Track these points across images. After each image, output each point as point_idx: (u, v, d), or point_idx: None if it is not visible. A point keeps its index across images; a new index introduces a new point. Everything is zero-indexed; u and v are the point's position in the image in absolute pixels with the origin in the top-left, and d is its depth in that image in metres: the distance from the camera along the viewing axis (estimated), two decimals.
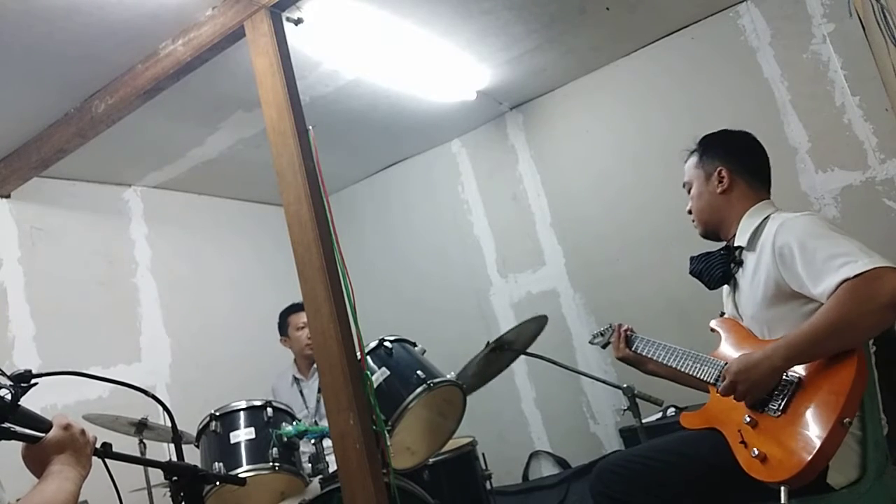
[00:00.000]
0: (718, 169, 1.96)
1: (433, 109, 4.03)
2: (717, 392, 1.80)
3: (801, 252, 1.65)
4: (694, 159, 2.05)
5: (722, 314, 2.05)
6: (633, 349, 2.21)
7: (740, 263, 1.91)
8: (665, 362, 2.05)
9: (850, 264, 1.53)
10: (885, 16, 2.21)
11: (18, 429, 1.27)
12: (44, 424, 1.31)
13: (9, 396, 1.25)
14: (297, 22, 2.59)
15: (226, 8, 2.56)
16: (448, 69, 3.59)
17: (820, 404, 1.56)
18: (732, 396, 1.69)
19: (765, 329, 1.80)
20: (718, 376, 1.80)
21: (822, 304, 1.59)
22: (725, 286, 2.01)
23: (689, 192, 2.07)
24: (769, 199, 1.96)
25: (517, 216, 4.35)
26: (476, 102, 4.01)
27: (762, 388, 1.66)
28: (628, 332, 2.26)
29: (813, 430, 1.54)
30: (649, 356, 2.13)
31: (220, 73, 3.00)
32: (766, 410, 1.66)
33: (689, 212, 2.07)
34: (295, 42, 2.60)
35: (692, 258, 2.05)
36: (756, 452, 1.61)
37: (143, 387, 1.68)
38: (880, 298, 1.48)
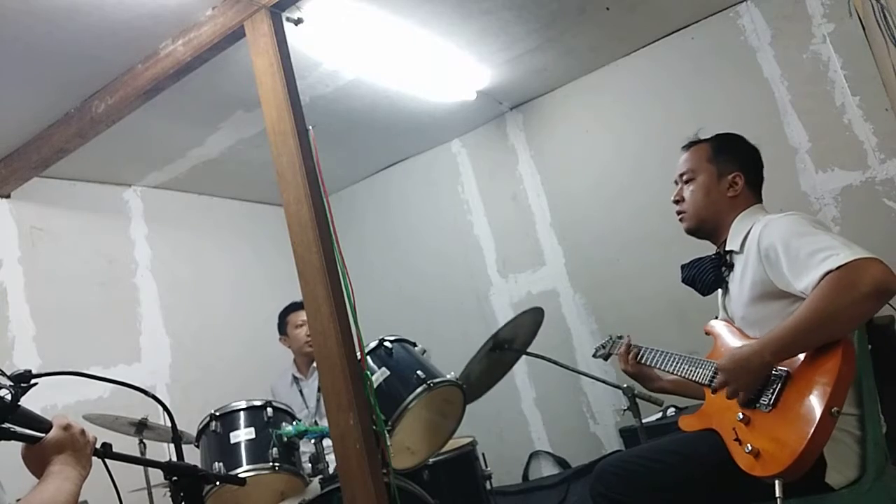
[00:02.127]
0: (735, 174, 1.93)
1: (433, 109, 4.03)
2: (708, 385, 1.81)
3: (784, 251, 1.67)
4: (705, 151, 1.99)
5: (716, 317, 2.05)
6: (640, 360, 2.15)
7: (731, 267, 1.91)
8: (662, 367, 2.05)
9: (832, 257, 1.55)
10: (885, 16, 2.21)
11: (18, 429, 1.27)
12: (43, 425, 1.31)
13: (9, 397, 1.25)
14: (297, 22, 2.59)
15: (226, 8, 2.56)
16: (448, 69, 3.59)
17: (808, 396, 1.57)
18: (728, 396, 1.70)
19: (756, 329, 1.81)
20: (712, 377, 1.80)
21: None
22: (719, 291, 2.01)
23: (685, 181, 2.00)
24: (760, 203, 1.96)
25: (517, 216, 4.35)
26: (476, 102, 4.01)
27: (752, 384, 1.66)
28: (633, 346, 2.19)
29: (803, 421, 1.55)
30: (649, 364, 2.12)
31: (220, 73, 3.00)
32: (758, 406, 1.67)
33: (677, 201, 2.00)
34: (295, 42, 2.60)
35: (683, 266, 2.03)
36: (750, 448, 1.62)
37: (143, 387, 1.69)
38: (861, 287, 1.49)
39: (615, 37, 3.78)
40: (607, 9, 3.39)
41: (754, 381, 1.66)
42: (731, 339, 1.90)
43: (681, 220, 2.02)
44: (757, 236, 1.76)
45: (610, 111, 4.07)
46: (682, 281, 2.04)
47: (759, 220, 1.82)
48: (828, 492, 1.59)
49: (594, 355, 2.45)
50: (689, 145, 2.04)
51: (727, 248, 1.91)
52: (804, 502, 1.60)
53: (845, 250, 1.54)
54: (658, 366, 2.07)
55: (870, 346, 1.69)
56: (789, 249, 1.66)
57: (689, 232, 2.01)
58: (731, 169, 1.95)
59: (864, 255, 1.52)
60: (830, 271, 1.53)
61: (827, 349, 1.59)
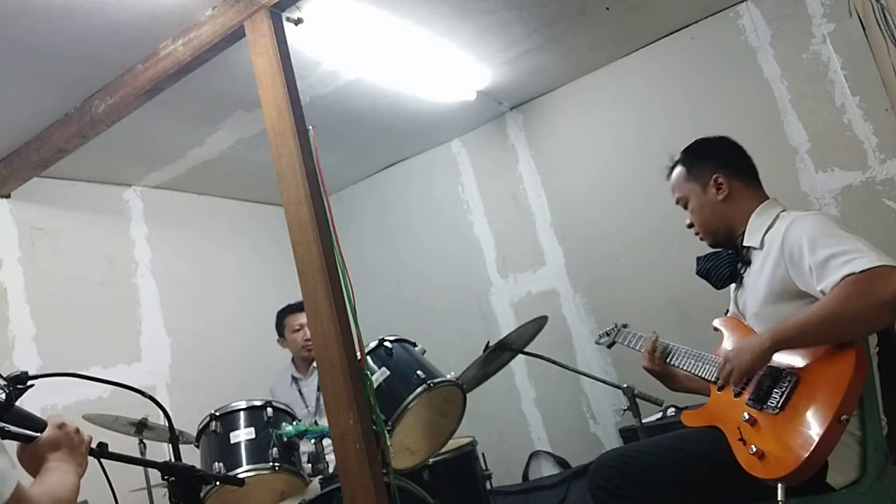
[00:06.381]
0: (714, 176, 1.94)
1: (433, 109, 4.03)
2: (714, 381, 1.81)
3: (810, 249, 1.65)
4: (681, 173, 2.02)
5: (727, 312, 2.05)
6: (668, 362, 2.08)
7: (748, 263, 1.91)
8: (670, 362, 2.05)
9: (856, 260, 1.54)
10: (885, 16, 2.21)
11: (13, 428, 1.27)
12: (39, 424, 1.31)
13: (2, 396, 1.25)
14: (297, 22, 2.59)
15: (226, 8, 2.56)
16: (448, 69, 3.58)
17: (818, 401, 1.57)
18: (722, 375, 1.70)
19: (767, 327, 1.80)
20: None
21: None
22: (732, 285, 2.01)
23: (684, 206, 2.02)
24: (769, 197, 1.95)
25: (517, 216, 4.35)
26: (476, 102, 4.01)
27: (750, 367, 1.66)
28: (660, 343, 2.11)
29: (810, 427, 1.54)
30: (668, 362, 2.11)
31: (220, 73, 3.00)
32: (765, 408, 1.66)
33: (690, 226, 2.02)
34: (295, 42, 2.60)
35: (699, 258, 2.04)
36: (754, 450, 1.61)
37: (143, 387, 1.69)
38: (881, 295, 1.48)
39: (615, 37, 3.77)
40: (607, 9, 3.39)
41: (751, 364, 1.65)
42: (738, 336, 1.90)
43: (700, 239, 2.04)
44: (781, 233, 1.75)
45: (610, 111, 4.07)
46: (697, 273, 2.04)
47: (783, 217, 1.82)
48: (828, 492, 1.58)
49: (597, 342, 2.45)
50: (669, 172, 2.06)
51: (745, 244, 1.90)
52: (805, 502, 1.60)
53: (871, 255, 1.53)
54: (672, 363, 2.07)
55: (877, 349, 1.69)
56: (815, 249, 1.64)
57: (712, 246, 2.03)
58: (708, 174, 1.95)
59: (890, 263, 1.51)
60: (853, 273, 1.52)
61: (839, 355, 1.58)
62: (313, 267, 2.27)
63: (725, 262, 1.96)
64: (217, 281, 4.28)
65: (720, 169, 1.94)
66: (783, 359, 1.68)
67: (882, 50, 2.69)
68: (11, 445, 1.28)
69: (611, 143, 4.04)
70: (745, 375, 1.68)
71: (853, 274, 1.52)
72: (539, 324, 2.79)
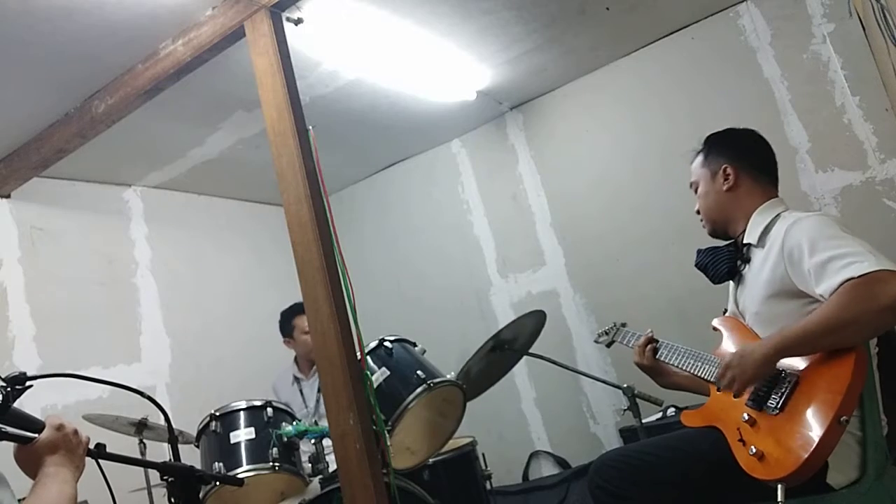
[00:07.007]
0: (724, 167, 1.95)
1: (433, 109, 4.03)
2: (714, 382, 1.81)
3: (810, 251, 1.65)
4: (700, 158, 2.04)
5: (725, 312, 2.05)
6: (657, 357, 2.11)
7: (747, 261, 1.91)
8: (669, 362, 2.05)
9: (856, 264, 1.53)
10: (885, 16, 2.21)
11: (10, 429, 1.26)
12: (36, 425, 1.30)
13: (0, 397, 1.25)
14: (297, 22, 2.59)
15: (226, 8, 2.56)
16: (448, 69, 3.58)
17: (818, 402, 1.56)
18: (724, 384, 1.70)
19: (766, 326, 1.80)
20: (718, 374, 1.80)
21: None
22: (731, 283, 2.01)
23: (696, 191, 2.05)
24: (778, 196, 1.95)
25: (517, 216, 4.35)
26: (476, 102, 4.01)
27: (752, 377, 1.66)
28: (654, 340, 2.14)
29: (810, 428, 1.54)
30: (662, 359, 2.11)
31: (220, 73, 3.00)
32: (765, 409, 1.66)
33: (698, 211, 2.05)
34: (295, 42, 2.60)
35: (699, 251, 2.05)
36: (754, 450, 1.61)
37: (143, 387, 1.69)
38: (881, 300, 1.48)
39: (615, 37, 3.77)
40: (607, 9, 3.39)
41: (754, 374, 1.65)
42: (738, 337, 1.90)
43: (703, 227, 2.06)
44: (782, 233, 1.75)
45: (610, 111, 4.07)
46: (696, 265, 2.05)
47: (784, 217, 1.81)
48: (828, 492, 1.58)
49: (596, 341, 2.45)
50: (694, 157, 2.08)
51: (745, 241, 1.91)
52: (805, 502, 1.60)
53: (870, 258, 1.53)
54: (666, 360, 2.07)
55: (877, 349, 1.68)
56: (815, 250, 1.64)
57: (710, 234, 2.05)
58: (720, 164, 1.97)
59: (889, 267, 1.50)
60: (852, 278, 1.52)
61: (840, 356, 1.58)
62: (313, 267, 2.27)
63: (725, 258, 1.96)
64: (217, 281, 4.28)
65: (734, 160, 1.95)
66: (783, 360, 1.68)
67: (882, 50, 2.69)
68: (8, 447, 1.28)
69: (611, 143, 4.04)
70: (749, 385, 1.67)
71: (852, 279, 1.52)
72: (538, 320, 2.77)
